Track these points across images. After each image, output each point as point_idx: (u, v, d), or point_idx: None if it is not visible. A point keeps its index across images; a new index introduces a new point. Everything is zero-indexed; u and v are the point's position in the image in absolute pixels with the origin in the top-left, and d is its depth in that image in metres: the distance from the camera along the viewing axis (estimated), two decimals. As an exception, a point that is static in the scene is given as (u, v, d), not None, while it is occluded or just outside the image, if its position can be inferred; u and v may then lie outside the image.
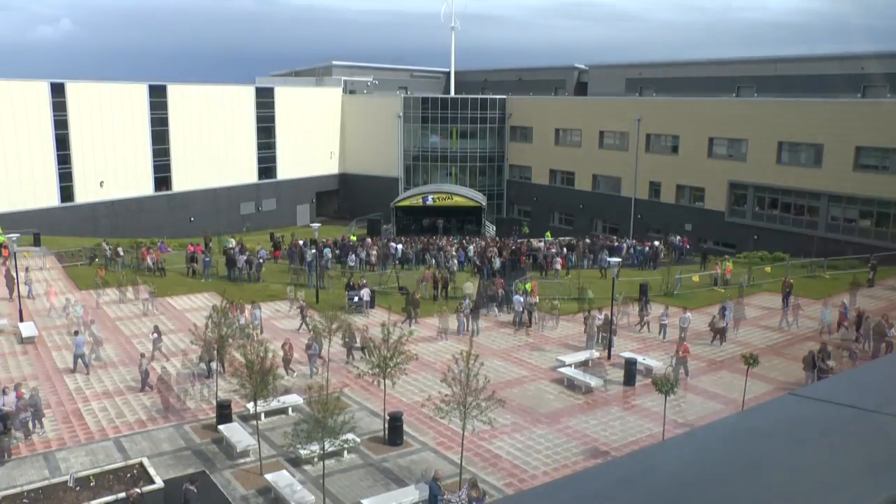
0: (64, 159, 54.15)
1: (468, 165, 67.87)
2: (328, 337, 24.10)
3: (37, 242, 45.28)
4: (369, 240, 49.00)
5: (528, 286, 34.67)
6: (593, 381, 24.30)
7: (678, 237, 48.98)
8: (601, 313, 29.50)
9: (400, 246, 45.73)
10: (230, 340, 21.61)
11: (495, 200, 67.33)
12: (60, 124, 53.50)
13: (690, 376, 24.81)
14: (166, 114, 59.58)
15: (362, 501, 16.59)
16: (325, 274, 39.21)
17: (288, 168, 68.42)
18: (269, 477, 17.62)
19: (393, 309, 33.75)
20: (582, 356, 26.73)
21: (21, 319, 30.32)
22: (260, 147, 66.62)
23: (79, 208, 54.79)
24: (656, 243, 46.99)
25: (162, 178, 60.01)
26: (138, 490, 15.66)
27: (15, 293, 32.80)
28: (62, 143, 53.80)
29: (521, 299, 31.77)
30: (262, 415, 20.89)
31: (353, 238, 53.21)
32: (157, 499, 16.55)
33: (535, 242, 47.97)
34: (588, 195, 60.59)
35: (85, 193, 55.30)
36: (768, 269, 40.48)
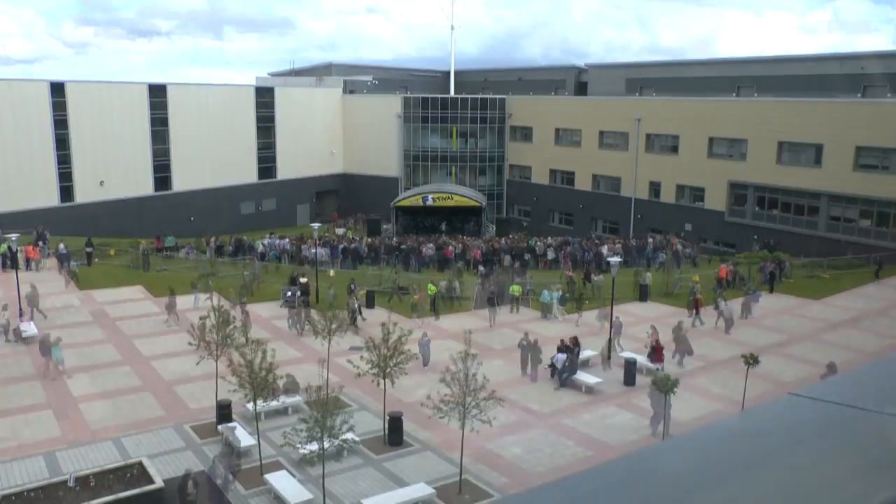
0: (64, 159, 54.13)
1: (468, 165, 67.79)
2: (328, 337, 23.95)
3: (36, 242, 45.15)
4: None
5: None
6: (593, 381, 24.32)
7: (679, 237, 49.01)
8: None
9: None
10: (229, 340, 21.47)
11: (495, 200, 67.28)
12: (60, 124, 53.46)
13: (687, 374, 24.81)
14: (166, 114, 59.53)
15: (362, 501, 16.60)
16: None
17: (288, 168, 68.37)
18: (269, 477, 17.62)
19: (395, 310, 33.58)
20: (582, 356, 26.70)
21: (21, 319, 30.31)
22: (260, 147, 66.57)
23: (79, 208, 54.72)
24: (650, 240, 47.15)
25: (162, 177, 59.98)
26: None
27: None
28: (62, 143, 53.76)
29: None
30: (262, 415, 20.87)
31: (350, 234, 54.07)
32: (157, 499, 16.55)
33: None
34: (588, 195, 60.56)
35: (85, 193, 55.25)
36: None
